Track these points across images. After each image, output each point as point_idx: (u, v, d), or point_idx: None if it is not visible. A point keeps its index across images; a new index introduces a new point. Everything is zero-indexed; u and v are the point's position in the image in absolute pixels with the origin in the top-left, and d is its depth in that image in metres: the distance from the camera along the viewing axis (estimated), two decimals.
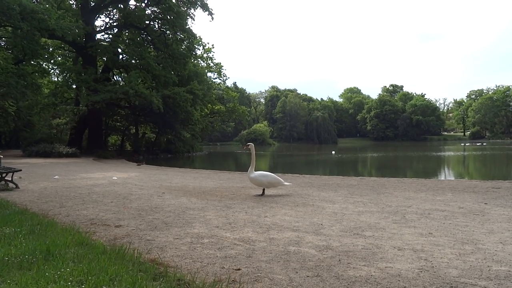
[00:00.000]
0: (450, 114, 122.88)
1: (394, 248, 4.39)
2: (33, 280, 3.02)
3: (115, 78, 38.87)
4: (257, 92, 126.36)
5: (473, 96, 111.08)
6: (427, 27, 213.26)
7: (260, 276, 3.46)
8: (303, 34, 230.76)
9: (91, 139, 34.92)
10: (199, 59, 46.88)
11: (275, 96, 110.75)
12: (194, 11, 35.97)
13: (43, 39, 29.56)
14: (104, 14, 36.18)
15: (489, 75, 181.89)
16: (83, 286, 2.93)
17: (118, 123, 41.43)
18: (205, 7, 34.97)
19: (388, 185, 11.22)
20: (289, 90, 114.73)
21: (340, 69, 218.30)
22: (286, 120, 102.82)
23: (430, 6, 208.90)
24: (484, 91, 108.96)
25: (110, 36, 35.80)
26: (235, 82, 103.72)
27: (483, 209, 7.06)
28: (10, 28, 26.58)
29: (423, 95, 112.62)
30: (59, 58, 37.46)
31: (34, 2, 27.11)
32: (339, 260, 3.93)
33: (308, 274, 3.53)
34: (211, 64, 50.31)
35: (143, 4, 34.07)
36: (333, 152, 42.74)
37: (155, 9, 33.94)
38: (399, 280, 3.36)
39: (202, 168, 23.32)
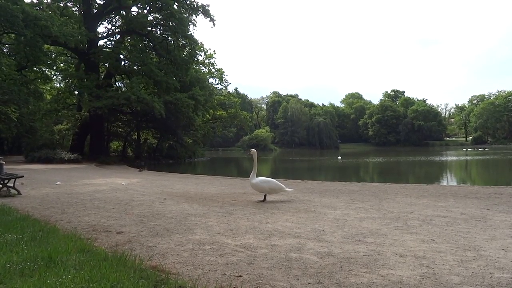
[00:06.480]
0: (452, 120, 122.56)
1: (396, 254, 4.38)
2: (35, 287, 3.02)
3: (117, 84, 39.03)
4: (259, 98, 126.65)
5: (475, 101, 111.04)
6: (427, 32, 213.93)
7: (262, 283, 3.46)
8: (304, 40, 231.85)
9: (93, 145, 35.00)
10: (200, 65, 47.12)
11: (277, 101, 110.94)
12: (196, 17, 36.25)
13: (46, 46, 29.77)
14: (106, 20, 36.48)
15: (490, 80, 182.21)
16: None
17: (120, 129, 41.52)
18: (206, 14, 35.21)
19: (390, 191, 11.19)
20: (291, 96, 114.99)
21: (341, 75, 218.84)
22: (288, 126, 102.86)
23: (430, 11, 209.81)
24: (486, 96, 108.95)
25: (113, 42, 36.10)
26: (237, 88, 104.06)
27: (485, 215, 7.03)
28: (13, 35, 26.80)
29: (424, 100, 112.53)
30: (62, 64, 37.70)
31: (37, 9, 27.35)
32: (341, 267, 3.92)
33: (310, 281, 3.53)
34: (213, 70, 50.57)
35: (145, 11, 34.32)
36: (339, 157, 42.66)
37: (157, 15, 34.17)
38: (400, 287, 3.35)
39: (203, 173, 23.32)
